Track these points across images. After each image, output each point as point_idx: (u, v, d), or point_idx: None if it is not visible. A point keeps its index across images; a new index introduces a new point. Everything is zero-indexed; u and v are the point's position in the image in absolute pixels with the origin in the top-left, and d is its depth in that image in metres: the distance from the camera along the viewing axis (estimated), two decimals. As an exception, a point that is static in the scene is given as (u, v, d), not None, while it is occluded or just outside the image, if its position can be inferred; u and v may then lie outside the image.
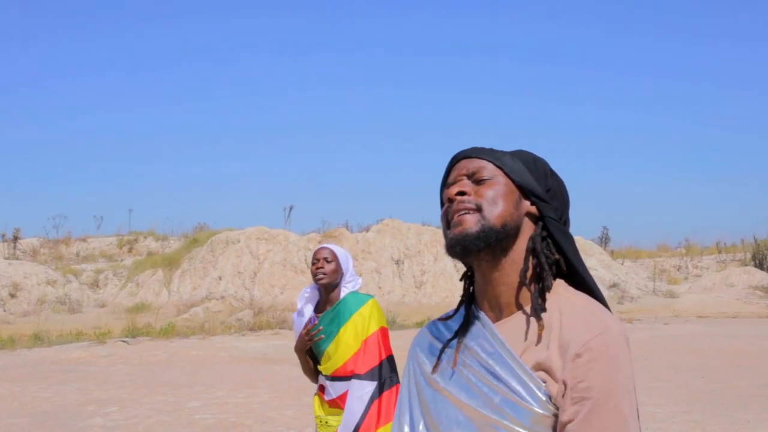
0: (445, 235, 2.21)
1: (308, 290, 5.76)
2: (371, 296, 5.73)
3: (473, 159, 2.26)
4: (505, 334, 2.15)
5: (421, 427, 2.28)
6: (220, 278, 33.29)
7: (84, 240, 44.62)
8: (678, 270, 47.90)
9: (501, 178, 2.21)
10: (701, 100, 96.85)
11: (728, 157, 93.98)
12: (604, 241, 51.54)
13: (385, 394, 5.35)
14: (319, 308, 5.69)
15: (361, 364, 5.42)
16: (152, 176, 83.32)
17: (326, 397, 5.53)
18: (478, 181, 2.21)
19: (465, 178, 2.24)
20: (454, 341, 2.27)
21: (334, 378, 5.46)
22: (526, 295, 2.18)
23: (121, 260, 40.24)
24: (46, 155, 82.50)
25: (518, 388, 2.04)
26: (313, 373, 5.67)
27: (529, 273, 2.18)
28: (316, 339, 5.49)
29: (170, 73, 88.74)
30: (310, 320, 5.61)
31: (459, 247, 2.14)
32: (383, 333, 5.60)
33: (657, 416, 11.49)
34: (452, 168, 2.31)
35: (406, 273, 35.68)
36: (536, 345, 2.09)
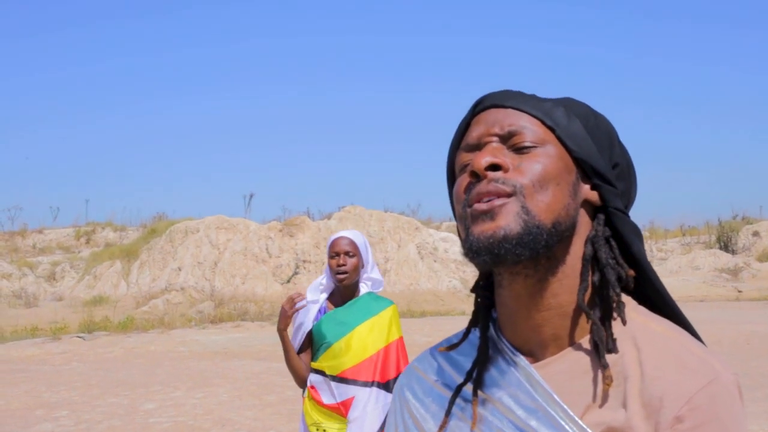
0: (463, 228, 1.44)
1: (323, 281, 5.08)
2: (392, 302, 5.09)
3: (509, 110, 1.47)
4: (552, 381, 1.41)
5: None
6: (179, 269, 32.67)
7: (40, 232, 43.83)
8: (642, 253, 47.73)
9: (552, 147, 1.44)
10: (662, 82, 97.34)
11: (690, 140, 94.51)
12: (567, 225, 51.46)
13: None
14: (333, 300, 5.04)
15: (383, 372, 4.83)
16: (109, 166, 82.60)
17: (325, 401, 4.86)
18: (518, 149, 1.43)
19: (497, 140, 1.45)
20: (468, 388, 1.51)
21: (341, 380, 4.81)
22: (582, 325, 1.44)
23: (79, 252, 39.51)
24: (0, 146, 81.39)
25: None
26: (300, 372, 4.99)
27: (588, 293, 1.44)
28: (298, 308, 4.80)
29: (124, 62, 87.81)
30: (296, 295, 4.92)
31: (488, 255, 1.36)
32: (402, 343, 5.01)
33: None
34: (475, 119, 1.52)
35: (370, 261, 35.12)
36: (603, 401, 1.35)
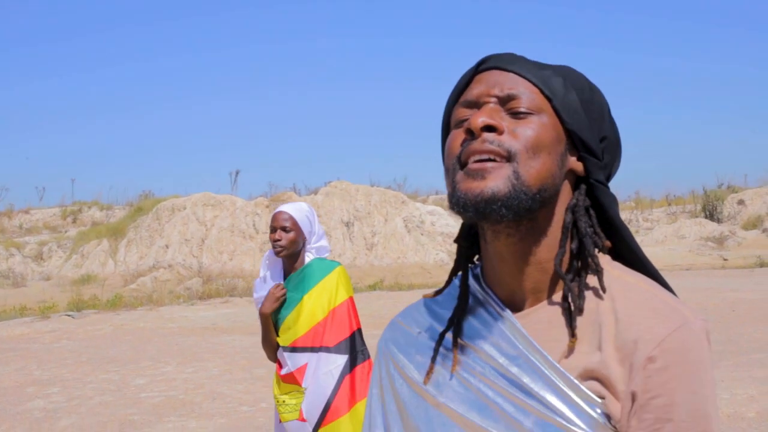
0: (452, 183, 1.50)
1: (269, 254, 5.24)
2: (338, 263, 5.19)
3: (509, 74, 1.53)
4: (532, 330, 1.50)
5: None
6: (167, 246, 32.66)
7: (26, 212, 43.73)
8: (629, 223, 47.88)
9: (547, 117, 1.50)
10: (648, 57, 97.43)
11: (674, 110, 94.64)
12: (553, 196, 51.50)
13: (358, 369, 4.87)
14: (285, 275, 5.17)
15: (330, 335, 4.91)
16: (95, 145, 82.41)
17: (282, 371, 4.99)
18: (515, 113, 1.49)
19: (495, 101, 1.51)
20: (449, 336, 1.60)
21: (293, 349, 4.93)
22: (560, 280, 1.53)
23: (65, 231, 39.47)
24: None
25: (560, 406, 1.42)
26: (275, 345, 5.10)
27: (566, 256, 1.54)
28: (284, 294, 4.98)
29: (107, 39, 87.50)
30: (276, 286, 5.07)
31: (474, 211, 1.43)
32: (352, 303, 5.09)
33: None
34: (477, 77, 1.58)
35: (357, 235, 35.18)
36: (582, 345, 1.45)
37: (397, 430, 1.65)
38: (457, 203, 1.46)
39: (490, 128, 1.46)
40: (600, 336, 1.44)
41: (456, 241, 1.70)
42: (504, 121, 1.48)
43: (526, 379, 1.45)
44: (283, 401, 4.99)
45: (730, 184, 49.04)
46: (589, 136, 1.54)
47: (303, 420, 4.85)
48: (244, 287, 26.62)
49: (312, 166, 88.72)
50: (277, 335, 5.08)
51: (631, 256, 1.61)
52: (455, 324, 1.60)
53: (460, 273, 1.69)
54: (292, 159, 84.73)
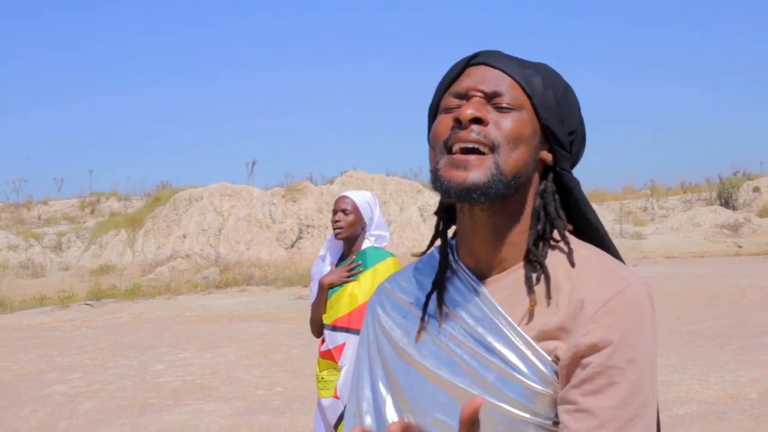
0: (436, 165, 1.71)
1: (331, 237, 5.48)
2: (392, 254, 5.38)
3: (496, 71, 1.74)
4: (497, 295, 1.73)
5: (389, 405, 1.85)
6: (184, 236, 32.87)
7: (45, 203, 44.03)
8: (644, 211, 47.86)
9: (526, 113, 1.73)
10: (662, 42, 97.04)
11: (690, 97, 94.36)
12: (569, 185, 51.40)
13: None
14: (342, 257, 5.44)
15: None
16: (112, 136, 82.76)
17: (322, 347, 5.23)
18: (499, 108, 1.71)
19: (482, 95, 1.72)
20: (433, 302, 1.84)
21: (334, 327, 5.17)
22: (523, 251, 1.77)
23: (84, 222, 39.75)
24: (4, 119, 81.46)
25: (518, 363, 1.65)
26: (321, 321, 5.34)
27: (511, 240, 1.77)
28: (354, 273, 5.19)
29: (127, 31, 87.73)
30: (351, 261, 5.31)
31: (455, 196, 1.66)
32: None
33: (633, 361, 11.28)
34: (467, 71, 1.78)
35: (372, 224, 35.19)
36: (539, 308, 1.68)
37: (382, 385, 1.89)
38: (440, 188, 1.68)
39: (477, 120, 1.68)
40: (557, 301, 1.67)
41: (436, 213, 1.92)
42: (489, 114, 1.70)
43: (489, 339, 1.69)
44: (322, 378, 5.21)
45: (745, 171, 48.92)
46: (561, 131, 1.77)
47: (337, 398, 5.06)
48: (260, 276, 26.81)
49: (328, 156, 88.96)
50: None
51: (591, 231, 1.85)
52: (437, 289, 1.84)
53: (439, 243, 1.92)
54: (308, 149, 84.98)
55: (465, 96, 1.74)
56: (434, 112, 1.84)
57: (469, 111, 1.67)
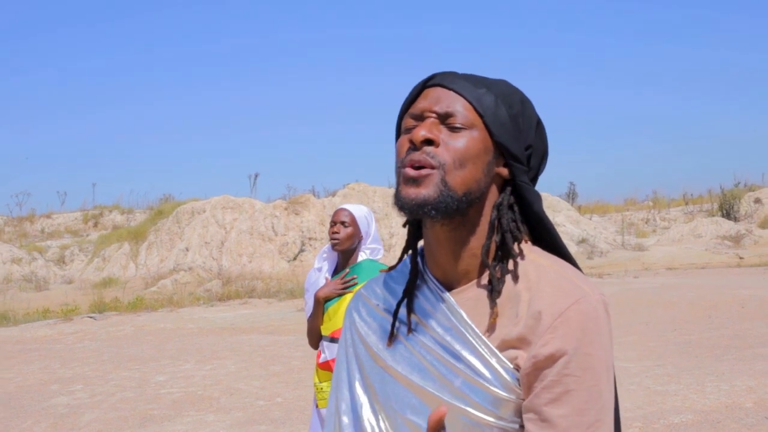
0: (397, 181, 1.84)
1: (327, 249, 5.59)
2: (387, 267, 5.48)
3: (450, 92, 1.85)
4: (463, 305, 1.84)
5: (366, 407, 1.97)
6: (186, 249, 32.93)
7: (48, 216, 44.14)
8: (646, 223, 47.88)
9: (477, 132, 1.82)
10: (665, 53, 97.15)
11: (692, 109, 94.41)
12: (571, 197, 51.47)
13: None
14: (337, 269, 5.52)
15: None
16: (115, 149, 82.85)
17: (320, 360, 5.35)
18: (451, 127, 1.82)
19: (435, 116, 1.83)
20: (402, 309, 1.96)
21: (332, 339, 5.27)
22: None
23: (87, 235, 39.84)
24: (7, 132, 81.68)
25: (482, 369, 1.76)
26: (318, 332, 5.46)
27: (492, 247, 1.87)
28: (349, 287, 5.27)
29: (130, 45, 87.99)
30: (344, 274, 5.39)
31: (410, 212, 1.79)
32: None
33: (630, 371, 11.37)
34: (423, 92, 1.90)
35: (375, 236, 35.21)
36: (502, 319, 1.79)
37: (359, 386, 2.01)
38: (397, 204, 1.82)
39: (428, 141, 1.79)
40: (517, 311, 1.78)
41: (404, 225, 2.05)
42: (441, 133, 1.81)
43: (457, 347, 1.80)
44: (321, 388, 5.33)
45: (747, 182, 48.95)
46: (515, 147, 1.86)
47: None
48: (263, 289, 26.85)
49: (330, 169, 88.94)
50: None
51: (551, 242, 1.95)
52: (407, 297, 1.95)
53: (410, 253, 2.04)
54: (310, 162, 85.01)
55: (420, 117, 1.85)
56: (399, 132, 1.96)
57: (421, 133, 1.78)
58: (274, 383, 11.76)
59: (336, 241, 5.34)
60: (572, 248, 35.83)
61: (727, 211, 44.69)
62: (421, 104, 1.87)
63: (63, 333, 19.08)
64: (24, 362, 14.88)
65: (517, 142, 1.87)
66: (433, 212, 1.77)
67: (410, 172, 1.78)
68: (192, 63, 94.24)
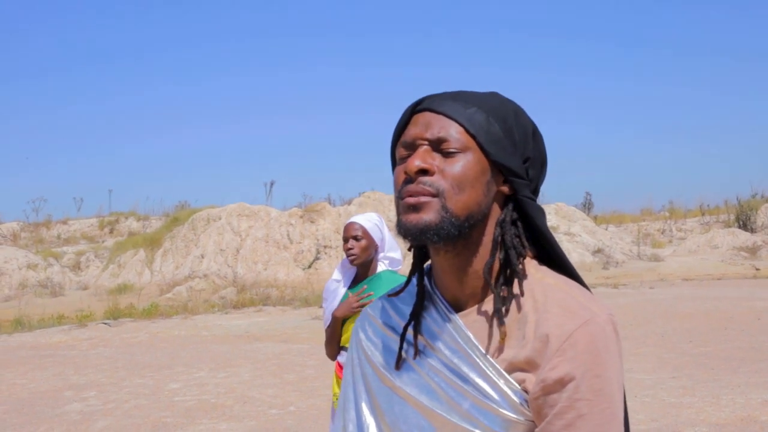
0: (398, 211, 1.81)
1: (344, 262, 5.56)
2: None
3: (440, 116, 1.81)
4: (471, 327, 1.82)
5: (372, 427, 1.95)
6: (202, 256, 32.98)
7: (64, 222, 44.33)
8: (662, 233, 47.79)
9: (471, 154, 1.78)
10: (681, 64, 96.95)
11: (709, 120, 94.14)
12: (587, 206, 51.44)
13: None
14: (357, 279, 5.51)
15: None
16: (132, 156, 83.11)
17: (342, 373, 5.32)
18: (444, 152, 1.78)
19: (427, 143, 1.80)
20: (410, 330, 1.93)
21: None
22: (495, 283, 1.83)
23: (103, 241, 39.98)
24: (24, 138, 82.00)
25: (490, 392, 1.73)
26: (336, 347, 5.46)
27: (496, 266, 1.84)
28: (366, 303, 5.23)
29: (146, 52, 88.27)
30: (361, 290, 5.37)
31: (413, 238, 1.76)
32: None
33: (644, 383, 11.31)
34: (413, 119, 1.87)
35: (390, 245, 35.21)
36: (509, 340, 1.76)
37: (366, 407, 1.99)
38: (400, 231, 1.79)
39: (423, 171, 1.76)
40: (524, 332, 1.75)
41: (409, 249, 2.01)
42: (435, 160, 1.78)
43: (465, 369, 1.78)
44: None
45: (764, 194, 48.79)
46: (512, 162, 1.82)
47: None
48: (277, 296, 26.87)
49: (346, 177, 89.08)
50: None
51: (556, 260, 1.92)
52: (414, 320, 1.92)
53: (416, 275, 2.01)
54: (326, 170, 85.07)
55: (413, 146, 1.82)
56: (393, 161, 1.94)
57: (415, 163, 1.76)
58: (288, 392, 11.73)
59: (353, 257, 5.32)
60: (588, 258, 35.76)
61: (744, 222, 44.56)
62: (412, 131, 1.84)
63: (77, 339, 19.11)
64: (38, 368, 14.89)
65: (514, 158, 1.83)
66: (436, 237, 1.75)
67: (409, 200, 1.76)
68: (210, 70, 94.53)
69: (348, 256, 5.33)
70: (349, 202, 37.95)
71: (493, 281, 1.83)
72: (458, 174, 1.76)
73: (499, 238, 1.83)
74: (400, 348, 1.92)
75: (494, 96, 1.90)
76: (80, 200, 54.23)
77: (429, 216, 1.73)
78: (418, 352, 1.89)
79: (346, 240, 5.35)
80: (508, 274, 1.83)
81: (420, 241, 1.77)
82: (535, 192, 1.93)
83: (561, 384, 1.67)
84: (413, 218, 1.75)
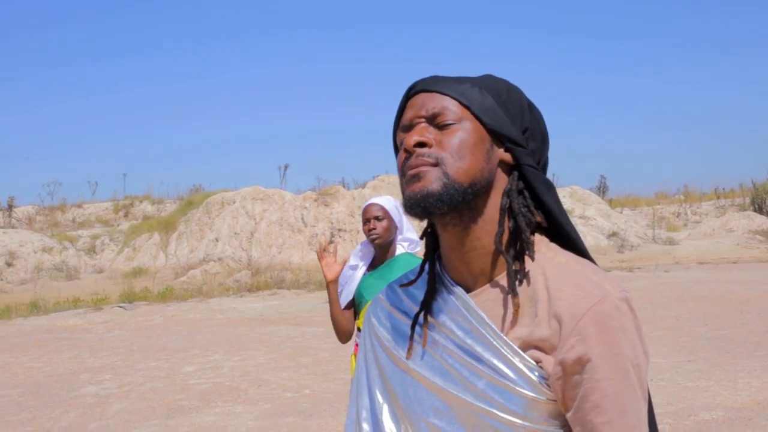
0: (402, 190, 1.82)
1: (361, 246, 5.54)
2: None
3: (434, 94, 1.82)
4: (483, 306, 1.79)
5: (385, 413, 1.94)
6: (216, 240, 33.03)
7: (79, 206, 44.51)
8: (677, 217, 47.74)
9: (468, 123, 1.78)
10: (697, 48, 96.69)
11: (725, 103, 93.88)
12: (602, 190, 51.35)
13: None
14: (374, 263, 5.47)
15: None
16: (146, 140, 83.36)
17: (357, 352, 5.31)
18: (441, 126, 1.78)
19: (424, 120, 1.80)
20: (421, 314, 1.91)
21: None
22: (503, 261, 1.82)
23: (117, 225, 40.14)
24: (39, 122, 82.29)
25: (506, 370, 1.71)
26: (346, 331, 5.44)
27: (506, 236, 1.82)
28: (325, 252, 5.36)
29: (164, 44, 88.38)
30: (329, 242, 5.38)
31: (419, 208, 1.75)
32: None
33: (660, 366, 11.28)
34: (408, 103, 1.88)
35: (404, 228, 35.17)
36: (522, 319, 1.74)
37: (378, 390, 1.98)
38: (406, 205, 1.78)
39: (421, 144, 1.77)
40: (536, 310, 1.73)
41: (421, 237, 2.03)
42: (432, 134, 1.78)
43: (478, 349, 1.76)
44: None
45: (779, 177, 48.64)
46: (510, 130, 1.81)
47: None
48: (292, 279, 26.90)
49: (360, 160, 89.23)
50: (357, 316, 5.40)
51: (567, 237, 1.89)
52: (425, 305, 1.91)
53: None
54: (340, 153, 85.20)
55: (410, 127, 1.83)
56: (396, 150, 1.94)
57: (412, 139, 1.77)
58: (303, 375, 11.75)
59: (376, 236, 5.28)
60: (603, 242, 35.72)
61: (759, 206, 44.45)
62: (408, 114, 1.85)
63: (93, 322, 19.21)
64: (54, 351, 14.97)
65: (511, 126, 1.83)
66: (439, 204, 1.73)
67: (411, 172, 1.77)
68: (223, 54, 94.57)
69: (370, 235, 5.29)
70: (364, 186, 37.95)
71: (503, 248, 1.81)
72: (456, 143, 1.76)
73: (507, 206, 1.81)
74: (412, 334, 1.92)
75: (488, 76, 1.90)
76: (95, 184, 54.65)
77: (431, 184, 1.73)
78: (431, 334, 1.87)
79: (367, 221, 5.31)
80: (518, 247, 1.82)
81: (426, 212, 1.75)
82: (543, 168, 1.92)
83: (580, 364, 1.66)
84: (415, 187, 1.75)
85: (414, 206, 1.76)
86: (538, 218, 1.85)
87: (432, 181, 1.73)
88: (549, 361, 1.69)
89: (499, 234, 1.80)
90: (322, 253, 5.39)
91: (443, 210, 1.75)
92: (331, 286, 5.39)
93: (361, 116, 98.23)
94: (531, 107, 1.90)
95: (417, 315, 1.92)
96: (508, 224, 1.82)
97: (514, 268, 1.79)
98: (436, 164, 1.75)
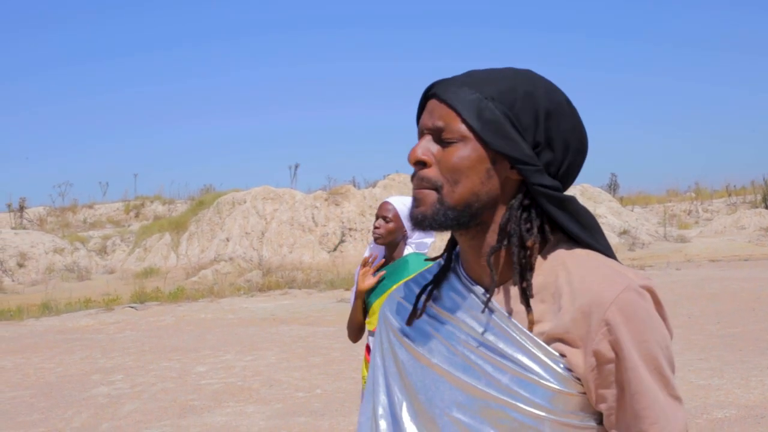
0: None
1: (372, 245, 5.56)
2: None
3: (442, 105, 1.81)
4: (503, 303, 1.82)
5: (404, 409, 1.94)
6: (227, 240, 33.08)
7: (90, 207, 44.60)
8: (688, 214, 47.64)
9: (469, 142, 1.78)
10: (707, 49, 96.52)
11: (735, 100, 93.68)
12: (612, 188, 51.29)
13: None
14: (384, 263, 5.47)
15: None
16: (157, 140, 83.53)
17: (369, 356, 5.29)
18: (444, 142, 1.80)
19: (430, 135, 1.83)
20: (439, 310, 1.94)
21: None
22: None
23: (128, 225, 40.20)
24: (50, 123, 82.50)
25: (531, 364, 1.73)
26: (358, 328, 5.45)
27: (502, 252, 1.84)
28: (373, 271, 5.33)
29: (170, 36, 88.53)
30: (371, 256, 5.38)
31: (421, 227, 1.83)
32: None
33: (672, 364, 11.23)
34: (426, 105, 1.87)
35: (415, 227, 35.17)
36: (543, 315, 1.75)
37: (396, 386, 1.98)
38: (413, 223, 1.85)
39: (421, 164, 1.82)
40: (560, 305, 1.74)
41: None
42: (435, 150, 1.82)
43: (501, 345, 1.77)
44: None
45: (791, 173, 48.51)
46: (515, 150, 1.77)
47: None
48: (303, 279, 26.88)
49: (370, 159, 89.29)
50: (366, 318, 5.39)
51: (590, 248, 1.87)
52: (431, 288, 1.96)
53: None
54: (350, 152, 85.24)
55: (420, 133, 1.88)
56: None
57: (413, 156, 1.83)
58: (314, 374, 11.75)
59: (377, 236, 5.31)
60: (614, 240, 35.66)
61: (771, 203, 44.28)
62: (423, 119, 1.88)
63: (104, 323, 19.24)
64: (66, 352, 14.99)
65: (518, 144, 1.78)
66: (436, 225, 1.81)
67: (413, 192, 1.86)
68: (234, 53, 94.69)
69: (373, 233, 5.33)
70: (374, 185, 37.95)
71: (499, 267, 1.85)
72: (453, 165, 1.79)
73: (505, 222, 1.82)
74: (414, 307, 1.97)
75: (506, 76, 1.85)
76: (106, 184, 54.70)
77: (425, 208, 1.81)
78: (450, 331, 1.89)
79: (376, 218, 5.34)
80: (528, 252, 1.83)
81: (429, 229, 1.82)
82: (565, 177, 1.89)
83: (612, 354, 1.69)
84: (416, 211, 1.83)
85: (417, 225, 1.84)
86: (530, 242, 1.82)
87: (429, 206, 1.81)
88: (576, 354, 1.71)
89: (493, 250, 1.81)
90: (364, 265, 5.39)
91: (443, 229, 1.82)
92: (361, 295, 5.39)
93: (371, 115, 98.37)
94: (550, 115, 1.83)
95: (419, 294, 1.97)
96: (507, 240, 1.85)
97: (518, 277, 1.81)
98: (432, 188, 1.81)
